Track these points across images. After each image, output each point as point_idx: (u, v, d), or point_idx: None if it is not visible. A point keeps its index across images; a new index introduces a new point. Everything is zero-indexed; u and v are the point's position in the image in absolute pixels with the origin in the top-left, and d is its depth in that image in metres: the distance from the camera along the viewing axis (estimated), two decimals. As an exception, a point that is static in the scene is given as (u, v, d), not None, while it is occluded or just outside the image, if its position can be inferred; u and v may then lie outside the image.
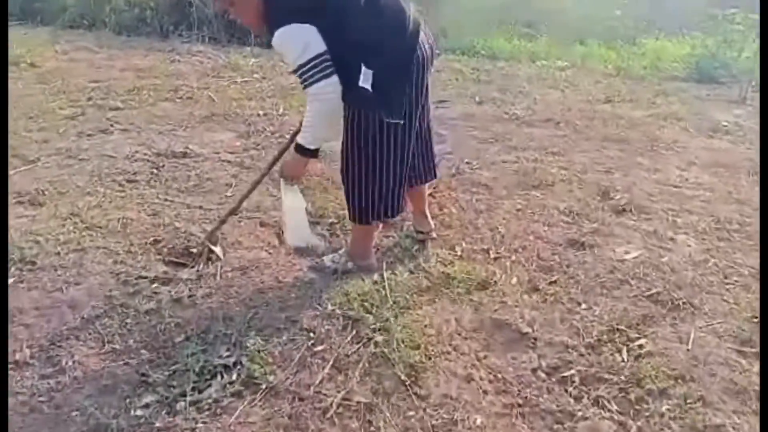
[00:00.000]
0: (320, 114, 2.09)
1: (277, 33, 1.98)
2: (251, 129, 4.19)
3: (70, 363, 1.90)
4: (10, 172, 3.15)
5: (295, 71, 2.02)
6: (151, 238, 2.62)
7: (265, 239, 2.70)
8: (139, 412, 1.75)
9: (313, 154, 2.18)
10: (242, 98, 4.87)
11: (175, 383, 1.87)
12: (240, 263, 2.48)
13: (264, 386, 1.87)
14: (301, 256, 2.58)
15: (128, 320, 2.13)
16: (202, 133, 4.05)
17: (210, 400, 1.80)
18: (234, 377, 1.89)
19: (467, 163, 3.92)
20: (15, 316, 2.09)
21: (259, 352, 1.99)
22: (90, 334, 2.05)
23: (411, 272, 2.55)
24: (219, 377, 1.89)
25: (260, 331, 2.11)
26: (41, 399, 1.76)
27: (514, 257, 2.77)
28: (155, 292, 2.29)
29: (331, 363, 1.99)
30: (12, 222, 2.62)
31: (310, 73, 1.99)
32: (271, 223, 2.84)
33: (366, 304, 2.31)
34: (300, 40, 1.96)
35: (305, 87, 2.03)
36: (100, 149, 3.57)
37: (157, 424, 1.70)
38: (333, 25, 1.99)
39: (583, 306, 2.42)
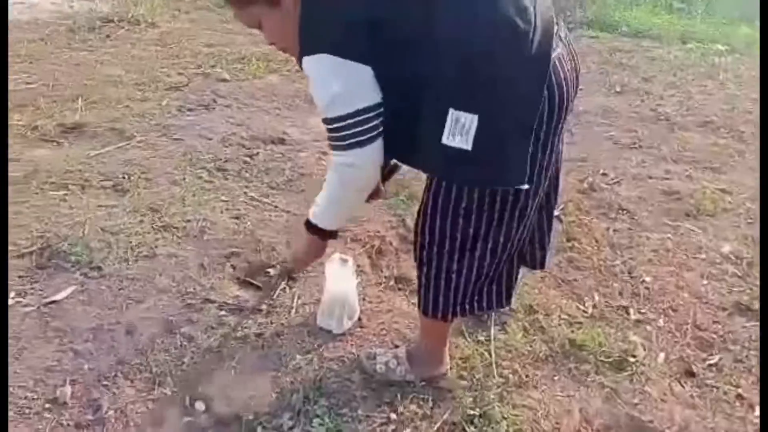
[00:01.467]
0: (345, 190, 1.46)
1: (307, 60, 1.31)
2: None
3: (111, 412, 1.63)
4: (105, 149, 2.97)
5: (325, 121, 1.36)
6: (229, 250, 2.30)
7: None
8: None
9: (329, 234, 1.58)
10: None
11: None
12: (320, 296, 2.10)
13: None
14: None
15: (185, 359, 1.82)
16: (305, 115, 3.69)
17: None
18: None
19: (603, 174, 3.28)
20: (66, 336, 1.85)
21: (323, 425, 1.60)
22: (141, 371, 1.77)
23: (525, 332, 2.04)
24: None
25: (331, 396, 1.72)
26: (70, 459, 1.49)
27: (661, 322, 2.17)
28: (220, 323, 1.96)
29: (412, 459, 1.57)
30: (89, 214, 2.41)
31: (342, 133, 1.33)
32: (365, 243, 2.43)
33: (465, 373, 1.84)
34: (338, 82, 1.29)
35: (332, 147, 1.40)
36: (197, 128, 3.32)
37: None
38: (396, 42, 1.28)
39: (756, 411, 1.80)
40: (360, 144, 1.33)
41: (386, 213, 2.68)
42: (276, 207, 2.65)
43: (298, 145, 3.27)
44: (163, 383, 1.75)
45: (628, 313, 2.18)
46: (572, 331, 2.04)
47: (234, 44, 4.95)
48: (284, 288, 2.14)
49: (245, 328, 1.95)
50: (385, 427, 1.64)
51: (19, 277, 2.07)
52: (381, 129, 1.35)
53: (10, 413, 1.59)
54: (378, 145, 1.36)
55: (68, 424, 1.59)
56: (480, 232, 1.46)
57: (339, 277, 1.97)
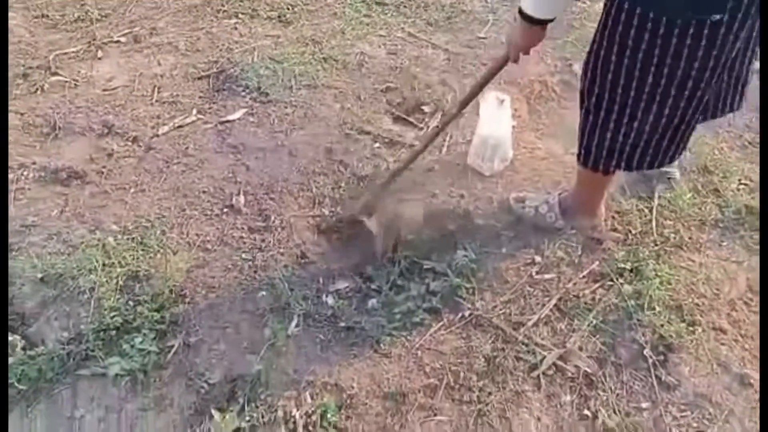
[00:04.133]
0: None
1: None
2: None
3: (278, 221, 1.80)
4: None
5: None
6: (385, 85, 2.30)
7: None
8: (329, 300, 1.60)
9: (539, 22, 1.38)
10: None
11: (372, 275, 1.66)
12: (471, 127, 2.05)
13: (467, 311, 1.55)
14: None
15: (342, 183, 1.93)
16: (471, -55, 3.37)
17: (403, 309, 1.55)
18: (434, 286, 1.60)
19: None
20: (240, 153, 2.03)
21: (470, 263, 1.64)
22: (303, 190, 1.91)
23: (696, 193, 1.86)
24: (418, 280, 1.62)
25: (476, 232, 1.74)
26: (244, 256, 1.71)
27: None
28: (375, 154, 2.03)
29: (554, 301, 1.58)
30: (258, 42, 2.50)
31: None
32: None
33: (620, 227, 1.76)
34: None
35: None
36: (358, -42, 3.20)
37: (341, 322, 1.54)
38: None
39: None
40: None
41: (551, 56, 2.47)
42: (433, 44, 2.55)
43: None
44: (322, 203, 1.88)
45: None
46: (753, 198, 1.82)
47: None
48: (437, 125, 2.12)
49: (398, 161, 2.00)
50: (529, 268, 1.65)
51: (200, 97, 2.26)
52: None
53: (195, 213, 1.83)
54: None
55: (242, 227, 1.79)
56: (657, 73, 1.28)
57: (494, 118, 1.89)
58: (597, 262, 1.66)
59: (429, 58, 2.46)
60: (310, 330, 1.53)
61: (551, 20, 1.39)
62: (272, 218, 1.81)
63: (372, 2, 2.83)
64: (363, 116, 2.17)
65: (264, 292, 1.60)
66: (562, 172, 1.95)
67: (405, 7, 2.81)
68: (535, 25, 1.39)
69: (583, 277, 1.63)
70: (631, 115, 1.39)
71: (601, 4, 1.34)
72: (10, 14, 2.67)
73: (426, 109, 2.20)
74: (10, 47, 2.48)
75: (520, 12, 1.38)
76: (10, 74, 2.32)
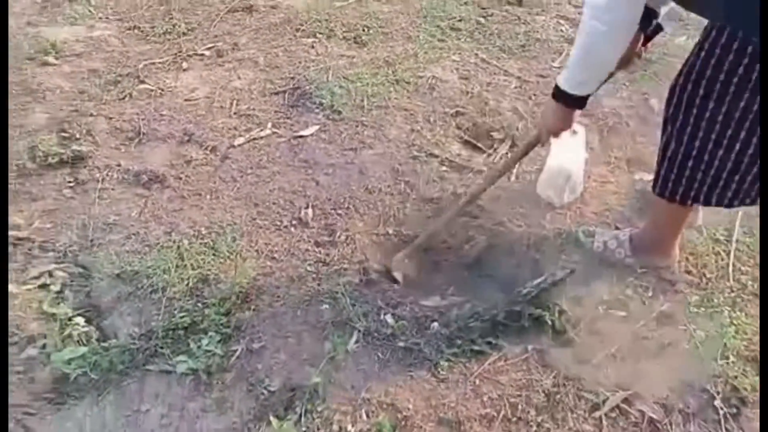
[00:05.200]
0: (598, 40, 1.29)
1: None
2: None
3: (343, 237, 1.83)
4: (348, 2, 3.08)
5: None
6: (455, 109, 2.32)
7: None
8: (389, 319, 1.60)
9: (577, 102, 1.42)
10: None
11: (434, 299, 1.66)
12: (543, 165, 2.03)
13: (529, 344, 1.52)
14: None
15: (408, 204, 1.95)
16: (549, -26, 3.38)
17: (463, 336, 1.54)
18: (496, 317, 1.58)
19: None
20: (310, 168, 2.09)
21: (534, 296, 1.61)
22: (369, 208, 1.94)
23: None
24: (480, 309, 1.61)
25: (540, 269, 1.72)
26: (309, 269, 1.74)
27: None
28: (442, 177, 2.04)
29: (621, 341, 1.53)
30: (333, 62, 2.58)
31: None
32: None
33: (694, 270, 1.69)
34: None
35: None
36: (434, -16, 3.26)
37: (400, 342, 1.54)
38: None
39: None
40: None
41: (627, 89, 2.43)
42: (506, 72, 2.56)
43: (536, 8, 3.04)
44: (387, 222, 1.90)
45: None
46: (842, 250, 1.72)
47: None
48: (506, 152, 2.12)
49: (464, 185, 2.00)
50: (596, 305, 1.60)
51: (275, 111, 2.34)
52: None
53: (265, 223, 1.88)
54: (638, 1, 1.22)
55: (309, 240, 1.83)
56: (751, 101, 1.24)
57: (566, 148, 1.87)
58: (668, 305, 1.61)
59: (501, 84, 2.47)
60: (369, 347, 1.54)
61: (586, 99, 1.41)
62: (338, 233, 1.84)
63: (446, 27, 2.86)
64: (432, 139, 2.19)
65: (326, 306, 1.63)
66: (633, 208, 1.90)
67: (479, 33, 2.83)
68: (571, 105, 1.42)
69: (653, 318, 1.57)
70: (716, 143, 1.34)
71: (682, 39, 1.33)
72: (106, 25, 2.86)
73: (496, 135, 2.20)
74: (104, 55, 2.65)
75: (555, 93, 1.42)
76: (103, 81, 2.47)
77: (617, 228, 1.81)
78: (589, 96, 1.43)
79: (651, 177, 1.90)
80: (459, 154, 2.14)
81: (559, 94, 1.43)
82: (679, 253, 1.69)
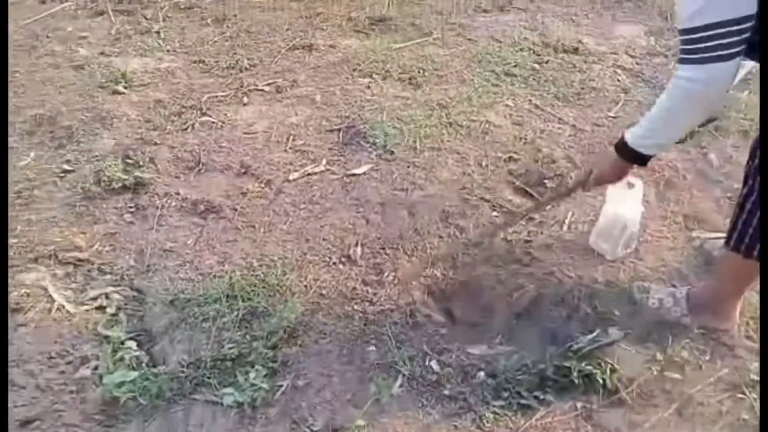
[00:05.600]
0: (682, 107, 1.30)
1: None
2: (666, 26, 3.34)
3: (390, 277, 1.84)
4: (405, 44, 3.15)
5: (682, 31, 1.23)
6: (508, 155, 2.32)
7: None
8: (434, 365, 1.59)
9: (640, 159, 1.41)
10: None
11: (481, 349, 1.64)
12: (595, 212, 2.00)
13: (579, 402, 1.48)
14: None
15: (457, 248, 1.94)
16: (605, 22, 3.39)
17: (510, 388, 1.51)
18: (545, 372, 1.54)
19: None
20: (361, 206, 2.11)
21: (585, 352, 1.57)
22: (418, 249, 1.95)
23: None
24: (529, 363, 1.58)
25: (591, 324, 1.68)
26: (356, 307, 1.75)
27: None
28: (491, 222, 2.03)
29: (675, 405, 1.47)
30: (388, 102, 2.63)
31: (695, 46, 1.21)
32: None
33: (755, 336, 1.62)
34: None
35: (681, 61, 1.26)
36: (490, 29, 3.31)
37: (445, 390, 1.52)
38: None
39: None
40: (716, 59, 1.21)
41: (685, 142, 2.39)
42: (560, 119, 2.55)
43: (591, 57, 3.04)
44: (435, 265, 1.90)
45: None
46: None
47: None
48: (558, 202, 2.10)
49: (515, 232, 1.99)
50: (649, 365, 1.55)
51: (329, 148, 2.39)
52: (742, 47, 1.19)
53: (314, 259, 1.91)
54: (734, 64, 1.21)
55: (357, 278, 1.85)
56: None
57: (622, 200, 1.84)
58: (726, 370, 1.54)
59: (555, 132, 2.46)
60: (414, 392, 1.52)
61: (651, 158, 1.41)
62: (386, 273, 1.85)
63: (501, 72, 2.89)
64: (483, 183, 2.19)
65: (372, 347, 1.63)
66: (691, 266, 1.85)
67: (533, 79, 2.85)
68: (632, 161, 1.42)
69: (710, 384, 1.51)
70: None
71: (743, 94, 1.32)
72: (173, 58, 3.00)
73: (549, 183, 2.19)
74: (170, 87, 2.77)
75: (619, 146, 1.42)
76: (168, 111, 2.59)
77: (673, 286, 1.76)
78: (654, 155, 1.42)
79: (709, 234, 1.87)
80: (510, 200, 2.13)
81: (623, 148, 1.42)
82: (740, 317, 1.63)
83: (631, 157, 1.43)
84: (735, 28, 1.17)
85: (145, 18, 3.40)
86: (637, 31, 3.31)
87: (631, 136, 1.41)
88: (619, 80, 2.84)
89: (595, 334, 1.60)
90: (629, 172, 1.52)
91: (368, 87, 2.76)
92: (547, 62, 2.98)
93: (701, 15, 1.18)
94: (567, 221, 2.02)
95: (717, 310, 1.61)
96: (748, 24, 1.17)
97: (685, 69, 1.26)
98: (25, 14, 3.51)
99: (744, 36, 1.18)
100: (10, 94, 2.74)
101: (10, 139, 2.44)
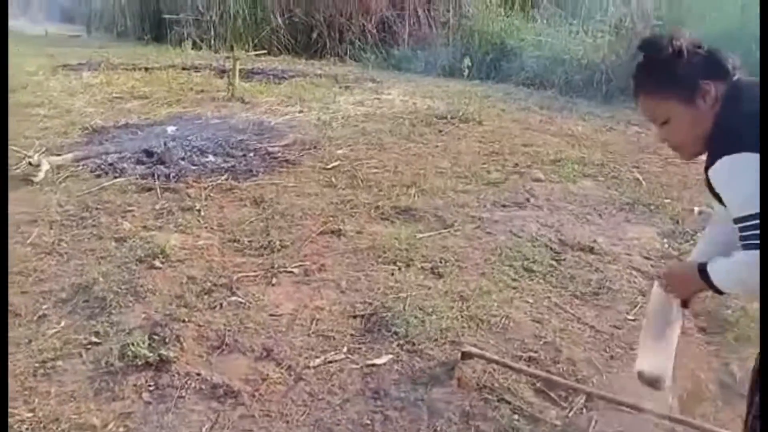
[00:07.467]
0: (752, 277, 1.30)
1: (726, 161, 1.31)
2: (678, 229, 3.51)
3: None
4: (428, 234, 3.34)
5: (739, 219, 1.31)
6: (528, 353, 2.33)
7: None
8: None
9: (715, 288, 1.43)
10: (673, 186, 4.18)
11: None
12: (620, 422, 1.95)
13: None
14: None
15: (476, 454, 1.88)
16: (618, 224, 3.59)
17: None
18: None
19: None
20: (380, 399, 2.09)
21: None
22: (436, 453, 1.88)
23: None
24: None
25: None
26: None
27: None
28: (513, 427, 1.98)
29: None
30: (410, 291, 2.72)
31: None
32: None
33: None
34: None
35: (748, 247, 1.30)
36: (509, 225, 3.51)
37: None
38: None
39: None
40: None
41: (705, 351, 2.39)
42: (579, 319, 2.60)
43: (607, 256, 3.17)
44: (454, 471, 1.83)
45: None
46: None
47: (550, 145, 5.14)
48: (582, 408, 2.06)
49: (537, 440, 1.93)
50: None
51: (351, 335, 2.43)
52: None
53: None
54: None
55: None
56: None
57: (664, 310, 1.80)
58: None
59: (574, 332, 2.49)
60: None
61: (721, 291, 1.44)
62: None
63: (520, 267, 3.01)
64: (505, 383, 2.17)
65: None
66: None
67: (552, 276, 2.95)
68: (710, 289, 1.44)
69: None
70: None
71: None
72: (210, 235, 3.20)
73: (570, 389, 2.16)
74: (203, 263, 2.92)
75: (703, 276, 1.43)
76: (199, 288, 2.70)
77: None
78: None
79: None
80: (531, 402, 2.09)
81: (704, 277, 1.43)
82: None
83: (708, 282, 1.42)
84: None
85: (189, 196, 3.69)
86: (650, 233, 3.48)
87: (714, 274, 1.41)
88: (635, 282, 2.92)
89: None
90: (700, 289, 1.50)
91: (392, 274, 2.88)
92: (564, 260, 3.11)
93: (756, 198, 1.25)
94: (591, 429, 1.96)
95: None
96: None
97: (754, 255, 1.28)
98: (81, 187, 3.86)
99: None
100: (53, 262, 2.91)
101: (44, 307, 2.55)
